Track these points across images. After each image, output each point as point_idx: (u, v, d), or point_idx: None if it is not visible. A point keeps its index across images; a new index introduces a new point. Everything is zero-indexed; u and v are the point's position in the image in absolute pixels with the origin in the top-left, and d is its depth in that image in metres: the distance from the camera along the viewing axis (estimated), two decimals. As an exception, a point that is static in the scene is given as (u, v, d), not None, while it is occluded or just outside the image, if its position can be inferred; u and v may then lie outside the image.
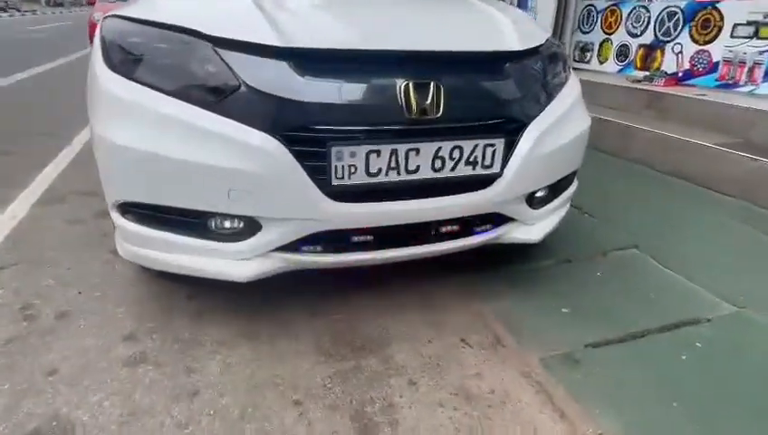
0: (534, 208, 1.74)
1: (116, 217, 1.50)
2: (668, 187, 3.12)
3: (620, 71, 4.65)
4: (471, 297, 1.89)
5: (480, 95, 1.52)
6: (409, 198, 1.46)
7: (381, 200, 1.44)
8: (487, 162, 1.48)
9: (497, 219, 1.69)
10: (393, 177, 1.40)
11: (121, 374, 1.45)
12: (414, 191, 1.46)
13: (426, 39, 1.53)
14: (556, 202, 1.84)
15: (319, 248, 1.50)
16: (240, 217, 1.42)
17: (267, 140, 1.30)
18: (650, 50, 4.32)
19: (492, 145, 1.46)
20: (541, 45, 1.71)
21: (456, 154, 1.43)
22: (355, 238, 1.50)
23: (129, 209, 1.47)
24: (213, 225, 1.44)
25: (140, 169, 1.37)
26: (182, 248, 1.46)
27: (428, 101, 1.37)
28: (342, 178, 1.35)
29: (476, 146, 1.44)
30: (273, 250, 1.46)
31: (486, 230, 1.69)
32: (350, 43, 1.42)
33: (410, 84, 1.36)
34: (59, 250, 2.11)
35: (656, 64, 4.24)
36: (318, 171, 1.34)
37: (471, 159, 1.45)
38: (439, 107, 1.39)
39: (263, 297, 1.78)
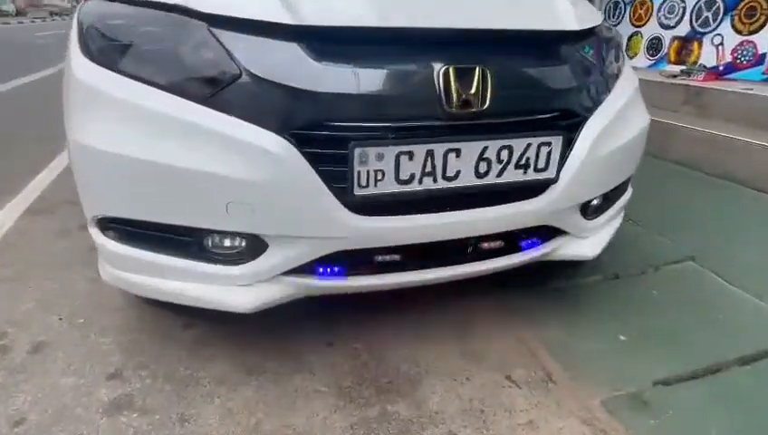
0: (588, 219, 1.48)
1: (96, 234, 1.27)
2: (716, 190, 2.84)
3: (652, 66, 4.36)
4: (511, 320, 1.64)
5: (534, 83, 1.26)
6: (447, 209, 1.21)
7: (413, 213, 1.18)
8: (541, 165, 1.22)
9: (546, 232, 1.43)
10: (428, 184, 1.15)
11: (101, 425, 1.21)
12: (453, 201, 1.21)
13: (469, 15, 1.25)
14: (611, 212, 1.58)
15: (337, 270, 1.25)
16: (242, 235, 1.18)
17: (274, 140, 1.05)
18: (686, 42, 4.01)
19: (547, 144, 1.20)
20: (597, 26, 1.45)
21: (505, 155, 1.18)
22: (380, 259, 1.25)
23: (109, 226, 1.24)
24: (209, 244, 1.20)
25: (122, 178, 1.13)
26: (173, 272, 1.22)
27: (473, 91, 1.12)
28: (367, 186, 1.10)
29: (529, 145, 1.19)
30: (282, 274, 1.22)
31: (535, 245, 1.43)
32: (377, 20, 1.15)
33: (450, 70, 1.10)
34: (43, 267, 1.88)
35: (692, 58, 3.94)
36: (336, 178, 1.09)
37: (522, 162, 1.20)
38: (485, 97, 1.13)
39: (271, 323, 1.53)
